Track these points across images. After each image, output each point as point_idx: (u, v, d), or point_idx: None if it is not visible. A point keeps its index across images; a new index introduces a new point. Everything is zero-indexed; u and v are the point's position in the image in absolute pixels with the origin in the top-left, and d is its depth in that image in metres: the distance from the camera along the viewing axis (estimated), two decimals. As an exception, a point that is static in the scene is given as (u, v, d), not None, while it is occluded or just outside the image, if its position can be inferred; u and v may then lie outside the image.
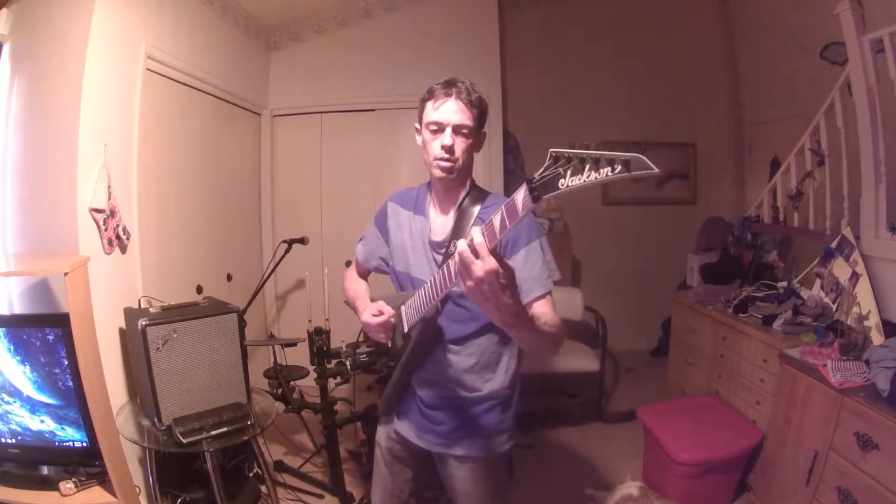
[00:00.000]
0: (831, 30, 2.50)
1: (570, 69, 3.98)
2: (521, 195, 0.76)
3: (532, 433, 2.87)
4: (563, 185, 0.69)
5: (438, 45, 3.42)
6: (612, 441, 2.82)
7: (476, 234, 0.82)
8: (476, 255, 0.81)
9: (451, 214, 1.27)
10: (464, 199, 1.26)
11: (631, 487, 2.19)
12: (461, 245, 0.83)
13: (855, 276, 2.12)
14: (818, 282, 2.38)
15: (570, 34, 3.96)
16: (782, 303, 2.44)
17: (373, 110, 3.55)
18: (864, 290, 2.06)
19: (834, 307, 2.21)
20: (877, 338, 1.93)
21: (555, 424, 2.97)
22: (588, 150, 0.67)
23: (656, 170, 0.62)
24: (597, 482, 2.37)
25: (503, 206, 0.80)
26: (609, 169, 0.64)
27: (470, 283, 0.83)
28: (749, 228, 3.14)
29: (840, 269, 2.23)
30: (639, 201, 4.10)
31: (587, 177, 0.66)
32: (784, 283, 2.58)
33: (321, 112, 3.59)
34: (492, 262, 0.81)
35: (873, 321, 1.98)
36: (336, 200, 3.62)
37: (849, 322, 2.03)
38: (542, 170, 0.72)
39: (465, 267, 0.82)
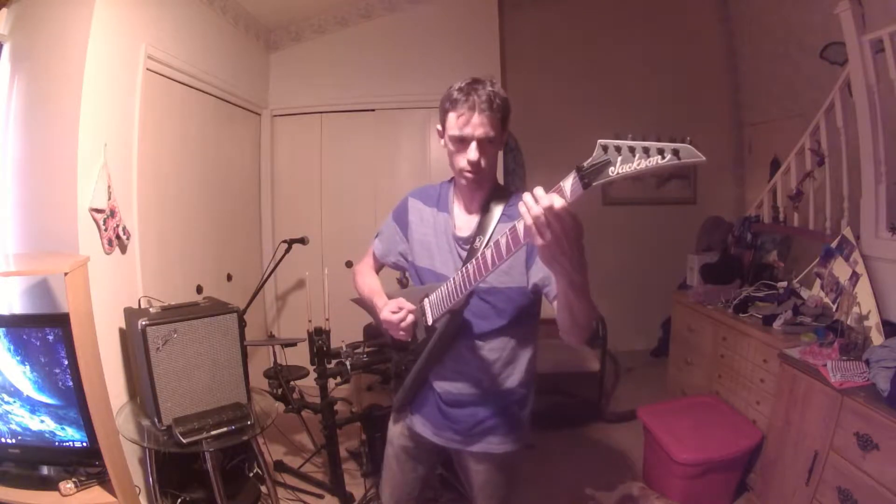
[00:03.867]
0: (831, 30, 2.50)
1: (569, 69, 3.98)
2: (569, 182, 0.78)
3: (532, 433, 2.85)
4: (613, 172, 0.73)
5: (438, 45, 3.42)
6: (612, 441, 2.82)
7: (559, 193, 0.79)
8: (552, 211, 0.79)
9: (476, 213, 1.28)
10: (488, 199, 1.27)
11: (631, 487, 2.19)
12: (544, 198, 0.79)
13: (855, 276, 2.12)
14: (818, 282, 2.38)
15: (570, 34, 3.97)
16: (782, 303, 2.44)
17: (373, 110, 3.55)
18: (864, 290, 2.06)
19: (834, 307, 2.21)
20: (877, 338, 1.93)
21: (555, 424, 2.97)
22: (634, 140, 0.71)
23: (703, 158, 0.65)
24: (597, 482, 2.37)
25: (552, 192, 0.80)
26: (659, 157, 0.68)
27: (550, 236, 0.80)
28: (749, 228, 3.13)
29: (840, 269, 2.23)
30: (639, 201, 4.11)
31: (637, 164, 0.70)
32: (784, 283, 2.58)
33: (321, 112, 3.59)
34: (575, 215, 0.80)
35: (873, 321, 1.98)
36: (336, 200, 3.62)
37: (849, 322, 2.03)
38: (591, 158, 0.75)
39: (548, 219, 0.79)
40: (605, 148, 0.73)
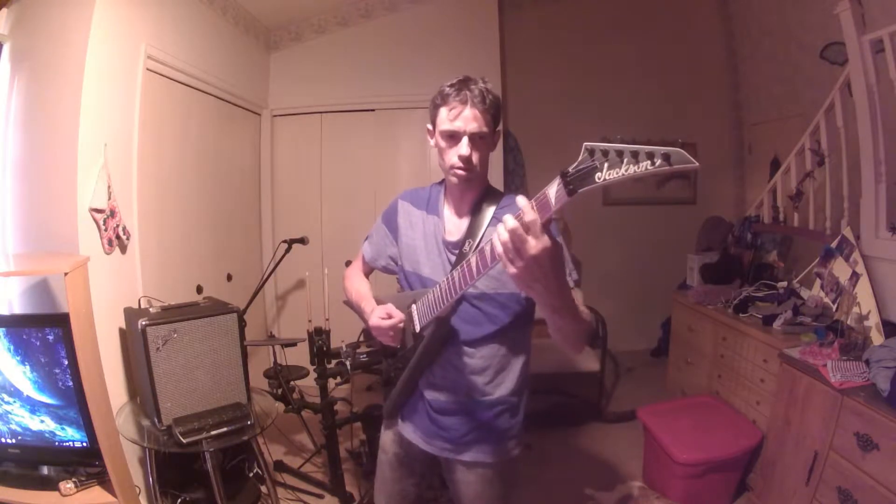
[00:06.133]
0: (831, 30, 2.50)
1: (570, 69, 3.98)
2: (553, 188, 0.74)
3: (532, 433, 2.85)
4: (599, 178, 0.68)
5: (438, 45, 3.42)
6: (612, 441, 2.82)
7: (526, 208, 0.76)
8: (527, 232, 0.76)
9: (466, 216, 1.24)
10: (479, 200, 1.24)
11: (631, 487, 2.19)
12: (510, 222, 0.76)
13: (855, 276, 2.12)
14: (818, 282, 2.38)
15: (571, 34, 3.97)
16: (782, 303, 2.44)
17: (373, 110, 3.55)
18: (864, 290, 2.06)
19: (834, 307, 2.21)
20: (877, 338, 1.93)
21: (555, 424, 2.97)
22: (623, 143, 0.66)
23: (696, 163, 0.61)
24: (597, 482, 2.37)
25: (533, 201, 0.77)
26: (648, 162, 0.63)
27: (521, 263, 0.77)
28: (749, 228, 3.14)
29: (840, 269, 2.23)
30: (639, 201, 4.11)
31: (625, 170, 0.65)
32: (784, 283, 2.58)
33: (321, 112, 3.59)
34: (546, 240, 0.76)
35: (873, 321, 1.98)
36: (336, 200, 3.62)
37: (849, 322, 2.03)
38: (576, 163, 0.70)
39: (516, 247, 0.76)
40: (591, 152, 0.69)
